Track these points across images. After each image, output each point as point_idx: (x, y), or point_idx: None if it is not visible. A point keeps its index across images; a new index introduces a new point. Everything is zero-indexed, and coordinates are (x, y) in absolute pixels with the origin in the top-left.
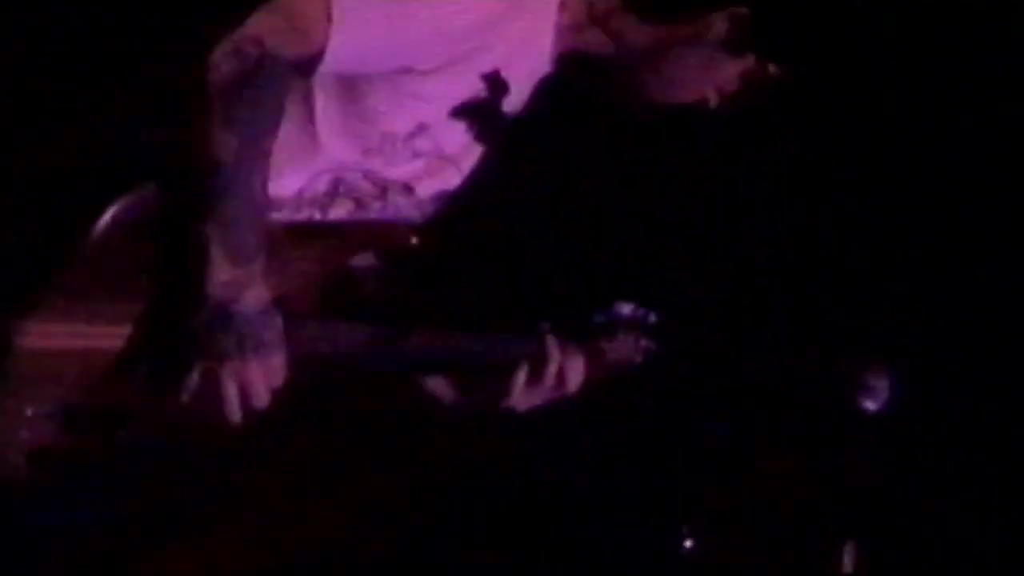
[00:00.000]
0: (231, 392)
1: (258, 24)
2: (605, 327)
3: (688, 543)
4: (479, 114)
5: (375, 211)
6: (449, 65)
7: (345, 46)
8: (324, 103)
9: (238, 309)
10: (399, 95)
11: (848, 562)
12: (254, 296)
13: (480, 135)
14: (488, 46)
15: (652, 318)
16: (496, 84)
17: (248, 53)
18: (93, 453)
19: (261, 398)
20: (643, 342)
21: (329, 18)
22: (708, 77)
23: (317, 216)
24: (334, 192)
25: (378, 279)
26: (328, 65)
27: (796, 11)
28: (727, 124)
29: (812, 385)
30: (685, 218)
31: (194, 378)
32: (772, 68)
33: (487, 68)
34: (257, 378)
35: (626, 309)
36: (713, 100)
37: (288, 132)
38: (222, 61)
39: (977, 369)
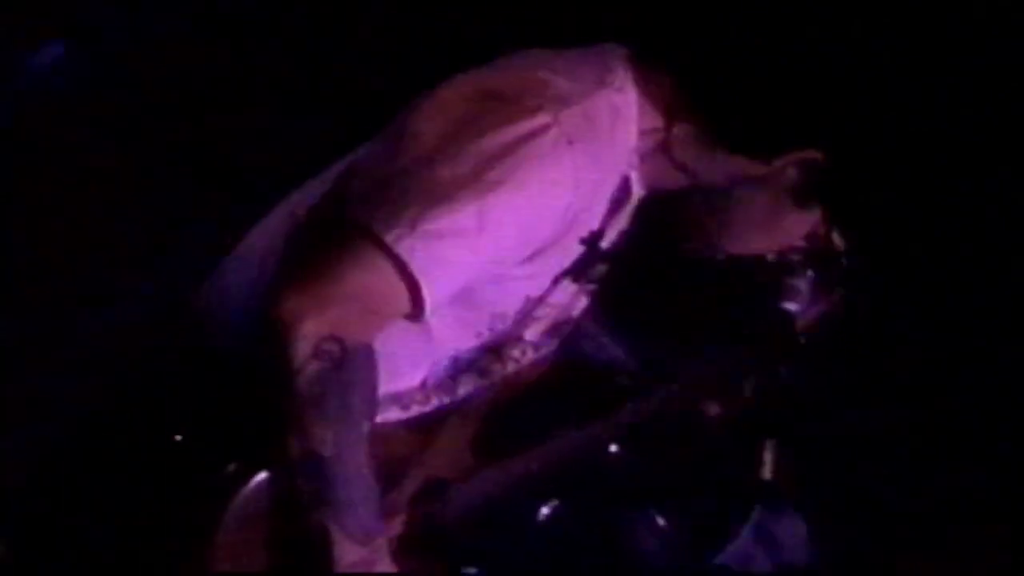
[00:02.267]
0: None
1: (330, 319)
2: None
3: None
4: (576, 267)
5: (498, 373)
6: (551, 243)
7: (443, 292)
8: (432, 313)
9: None
10: (503, 282)
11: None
12: (384, 570)
13: (581, 282)
14: (574, 224)
15: None
16: (592, 239)
17: (329, 351)
18: None
19: None
20: None
21: (413, 284)
22: (772, 229)
23: (447, 400)
24: (455, 372)
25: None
26: (435, 305)
27: (875, 165)
28: None
29: (734, 286)
30: None
31: None
32: (836, 238)
33: (584, 231)
34: None
35: None
36: (771, 257)
37: (402, 337)
38: (305, 365)
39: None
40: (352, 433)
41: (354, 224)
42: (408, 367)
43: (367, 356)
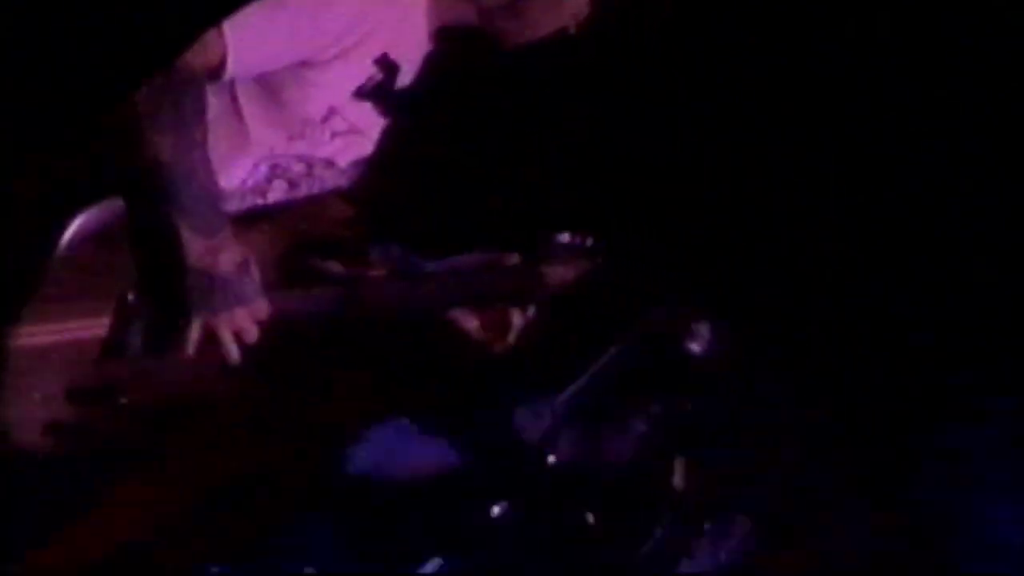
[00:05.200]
0: (227, 336)
1: None
2: (547, 253)
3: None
4: (377, 92)
5: (305, 188)
6: (342, 55)
7: (244, 50)
8: (247, 102)
9: (218, 271)
10: (306, 85)
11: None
12: (228, 258)
13: (382, 109)
14: (370, 35)
15: (588, 242)
16: (387, 65)
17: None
18: (101, 422)
19: (252, 335)
20: (579, 264)
21: (221, 31)
22: (558, 8)
23: (259, 202)
24: (271, 177)
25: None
26: (237, 69)
27: None
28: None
29: (640, 332)
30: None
31: (195, 331)
32: None
33: (375, 53)
34: (245, 321)
35: (564, 238)
36: (571, 27)
37: (224, 133)
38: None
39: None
40: (187, 139)
41: None
42: (230, 164)
43: (195, 76)
